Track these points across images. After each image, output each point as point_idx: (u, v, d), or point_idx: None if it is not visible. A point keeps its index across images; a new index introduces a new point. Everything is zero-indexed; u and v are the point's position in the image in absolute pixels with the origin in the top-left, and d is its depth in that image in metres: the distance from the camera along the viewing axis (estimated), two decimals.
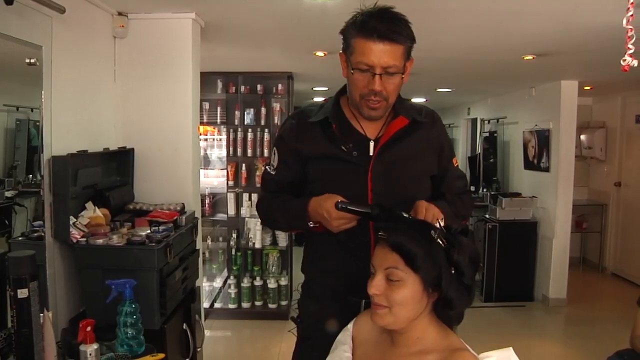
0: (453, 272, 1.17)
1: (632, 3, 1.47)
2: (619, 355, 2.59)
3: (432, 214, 1.35)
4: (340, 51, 1.52)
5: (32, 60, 2.09)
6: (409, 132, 1.56)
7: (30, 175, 2.23)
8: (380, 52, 1.40)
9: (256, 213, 1.88)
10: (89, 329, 1.79)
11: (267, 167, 1.69)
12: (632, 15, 1.48)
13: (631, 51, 1.52)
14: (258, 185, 4.86)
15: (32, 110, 2.21)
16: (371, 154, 1.54)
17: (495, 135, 7.06)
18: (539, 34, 3.31)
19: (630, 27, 1.50)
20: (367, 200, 1.50)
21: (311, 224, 1.50)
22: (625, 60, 1.54)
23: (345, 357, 1.28)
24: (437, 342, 1.20)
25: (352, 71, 1.44)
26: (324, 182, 1.53)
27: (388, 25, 1.40)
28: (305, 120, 1.59)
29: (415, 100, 8.19)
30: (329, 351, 1.38)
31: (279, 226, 1.73)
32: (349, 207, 1.37)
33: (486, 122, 7.37)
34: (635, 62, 1.53)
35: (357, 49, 1.42)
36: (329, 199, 1.42)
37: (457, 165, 1.72)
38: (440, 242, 1.18)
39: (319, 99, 7.00)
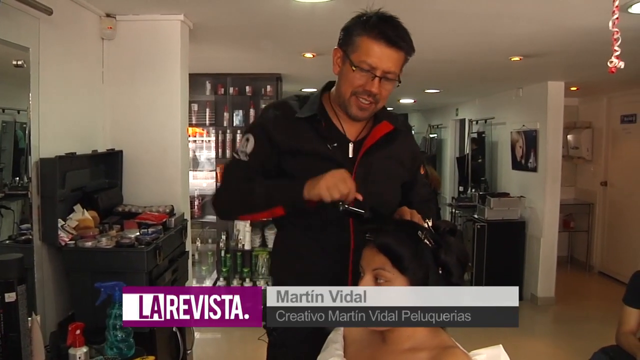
0: (440, 272, 1.18)
1: (617, 6, 1.49)
2: (604, 351, 2.61)
3: (418, 218, 1.37)
4: (337, 46, 1.51)
5: (19, 62, 2.07)
6: (390, 139, 1.57)
7: (17, 178, 2.22)
8: (385, 56, 1.42)
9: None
10: (78, 332, 1.79)
11: (235, 154, 1.58)
12: (617, 18, 1.51)
13: (617, 53, 1.54)
14: None
15: (18, 112, 2.20)
16: (350, 155, 1.54)
17: (484, 135, 7.11)
18: (525, 36, 3.34)
19: (616, 29, 1.53)
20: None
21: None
22: (612, 62, 1.56)
23: (337, 355, 1.29)
24: (428, 340, 1.21)
25: (353, 68, 1.43)
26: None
27: (398, 33, 1.43)
28: (290, 113, 1.54)
29: (403, 101, 8.23)
30: (304, 358, 1.38)
31: (256, 203, 1.50)
32: (349, 210, 1.37)
33: (474, 122, 7.42)
34: (621, 64, 1.56)
35: (363, 48, 1.42)
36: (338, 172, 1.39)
37: (423, 173, 1.77)
38: (428, 243, 1.19)
39: None
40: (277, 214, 1.52)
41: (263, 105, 5.11)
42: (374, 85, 1.44)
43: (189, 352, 2.68)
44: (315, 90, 1.67)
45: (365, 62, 1.42)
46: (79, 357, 1.77)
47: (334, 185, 1.36)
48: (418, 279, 1.18)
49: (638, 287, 2.62)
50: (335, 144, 1.52)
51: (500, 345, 1.22)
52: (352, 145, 1.55)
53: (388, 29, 1.41)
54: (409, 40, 1.45)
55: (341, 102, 1.52)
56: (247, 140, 1.56)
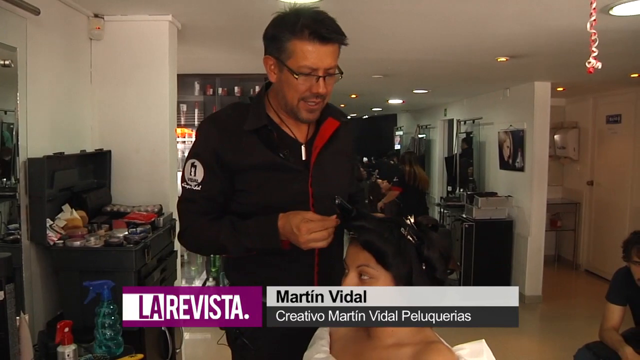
0: (424, 267, 1.21)
1: (594, 8, 1.53)
2: (588, 348, 2.67)
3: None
4: (266, 55, 1.46)
5: (6, 62, 2.07)
6: (335, 134, 1.54)
7: (5, 179, 2.21)
8: (323, 55, 1.37)
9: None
10: (66, 330, 1.79)
11: (185, 185, 1.48)
12: (594, 19, 1.54)
13: (595, 54, 1.58)
14: None
15: (6, 113, 2.20)
16: (304, 158, 1.51)
17: (472, 135, 7.16)
18: (511, 36, 3.38)
19: (594, 31, 1.56)
20: (308, 205, 1.47)
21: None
22: (590, 62, 1.60)
23: (324, 351, 1.31)
24: (411, 336, 1.23)
25: (295, 76, 1.38)
26: (263, 190, 1.46)
27: (328, 27, 1.37)
28: (234, 127, 1.46)
29: (392, 101, 8.26)
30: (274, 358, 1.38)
31: (229, 251, 1.49)
32: (343, 205, 1.36)
33: (462, 123, 7.47)
34: (599, 64, 1.59)
35: (298, 53, 1.37)
36: (298, 215, 1.37)
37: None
38: (411, 239, 1.21)
39: None
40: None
41: None
42: (320, 87, 1.40)
43: (177, 351, 2.69)
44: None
45: (305, 66, 1.37)
46: (68, 355, 1.78)
47: (313, 240, 1.35)
48: (402, 275, 1.20)
49: (620, 284, 2.67)
50: (287, 151, 1.47)
51: (483, 340, 1.24)
52: (304, 147, 1.52)
53: (317, 27, 1.35)
54: (339, 29, 1.39)
55: (288, 109, 1.47)
56: (194, 166, 1.46)
